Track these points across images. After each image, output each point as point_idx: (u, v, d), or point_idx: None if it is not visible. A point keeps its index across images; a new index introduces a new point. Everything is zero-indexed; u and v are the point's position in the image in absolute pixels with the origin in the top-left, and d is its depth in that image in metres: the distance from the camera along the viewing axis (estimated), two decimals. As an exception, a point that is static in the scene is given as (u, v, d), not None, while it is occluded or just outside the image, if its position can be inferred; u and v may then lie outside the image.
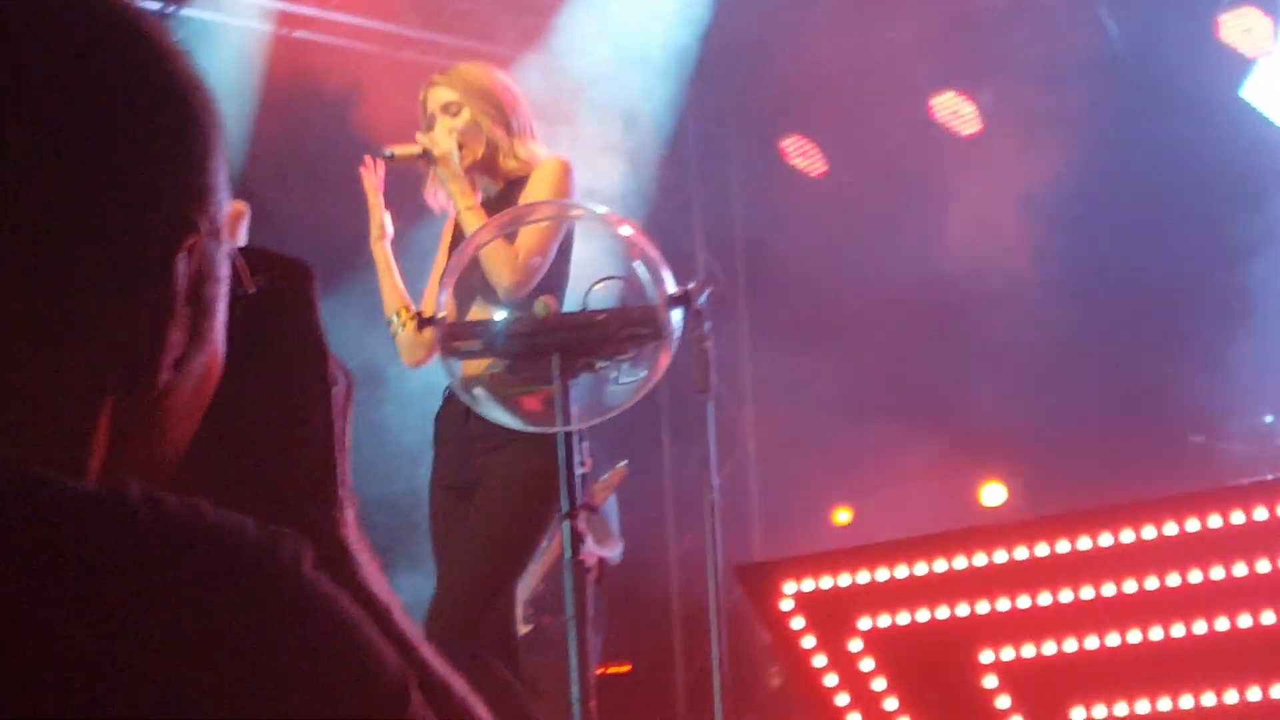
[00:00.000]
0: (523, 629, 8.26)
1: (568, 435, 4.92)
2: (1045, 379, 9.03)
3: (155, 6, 8.35)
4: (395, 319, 5.55)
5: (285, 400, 1.28)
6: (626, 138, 8.83)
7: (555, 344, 4.91)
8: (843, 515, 10.29)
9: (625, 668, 9.59)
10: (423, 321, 5.03)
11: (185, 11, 8.49)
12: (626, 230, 5.15)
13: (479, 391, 5.06)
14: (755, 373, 10.65)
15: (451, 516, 5.51)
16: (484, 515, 5.42)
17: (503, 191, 5.60)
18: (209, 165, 1.17)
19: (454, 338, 4.99)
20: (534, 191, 5.46)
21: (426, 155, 5.47)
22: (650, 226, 8.78)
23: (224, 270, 1.20)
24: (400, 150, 5.52)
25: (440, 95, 5.63)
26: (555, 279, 5.47)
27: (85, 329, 1.10)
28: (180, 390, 1.18)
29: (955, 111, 9.58)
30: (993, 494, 9.85)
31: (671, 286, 4.96)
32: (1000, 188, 8.93)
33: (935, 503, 9.27)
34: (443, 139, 5.47)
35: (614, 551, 8.17)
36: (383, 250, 5.58)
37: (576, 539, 4.90)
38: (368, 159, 5.60)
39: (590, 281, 5.01)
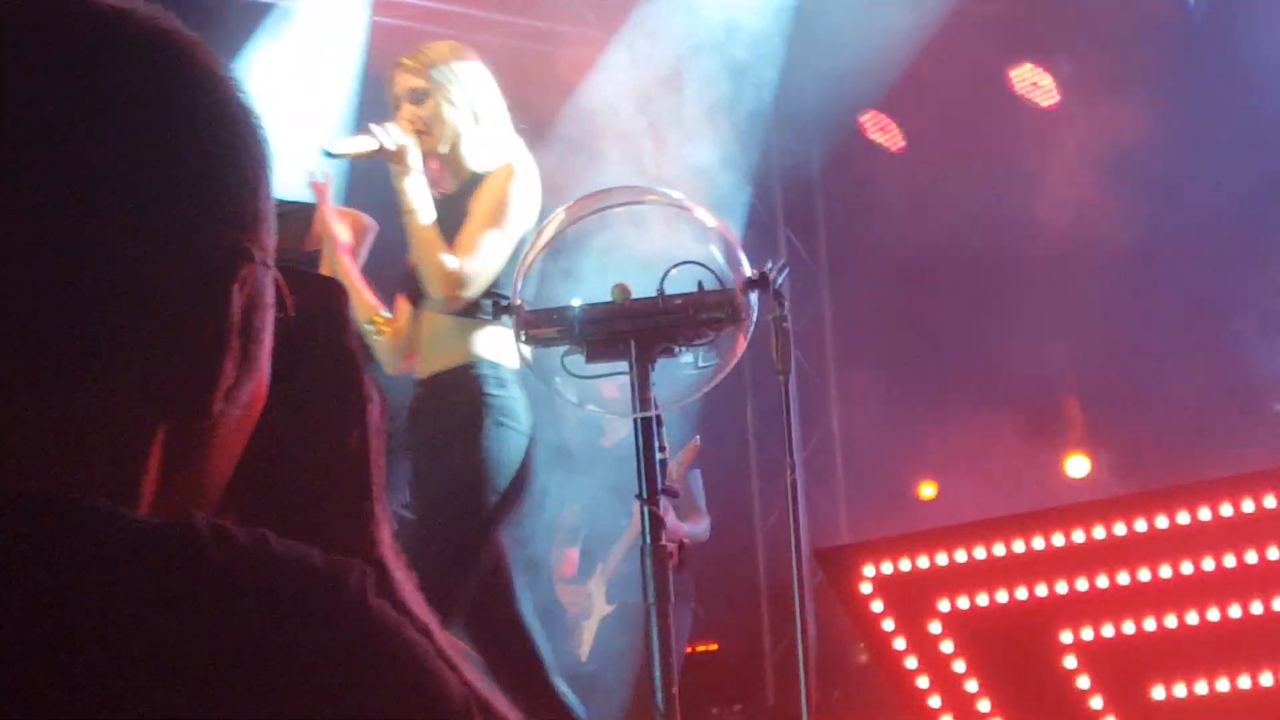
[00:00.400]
0: (606, 609, 8.31)
1: (645, 420, 4.93)
2: (1126, 350, 8.99)
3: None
4: (369, 328, 5.39)
5: (322, 420, 1.29)
6: (710, 118, 8.83)
7: (632, 330, 4.93)
8: (928, 490, 10.28)
9: (713, 646, 9.62)
10: (499, 309, 5.05)
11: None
12: (703, 214, 5.16)
13: (558, 378, 5.07)
14: (838, 348, 10.65)
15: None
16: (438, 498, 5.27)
17: (462, 188, 5.34)
18: (260, 193, 1.18)
19: (531, 325, 5.01)
20: (485, 197, 5.23)
21: (380, 151, 5.18)
22: (732, 204, 8.87)
23: (271, 297, 1.21)
24: (348, 149, 5.24)
25: (406, 80, 5.35)
26: (507, 286, 5.16)
27: (142, 357, 1.12)
28: (230, 417, 1.19)
29: (1034, 83, 9.54)
30: (1077, 466, 9.81)
31: (748, 270, 4.97)
32: (1081, 159, 8.89)
33: (1020, 475, 9.24)
34: (397, 133, 5.20)
35: (701, 527, 8.19)
36: (342, 263, 5.38)
37: (656, 524, 4.92)
38: (316, 168, 5.36)
39: (667, 266, 5.01)
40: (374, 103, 8.28)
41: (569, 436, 7.82)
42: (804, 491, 9.86)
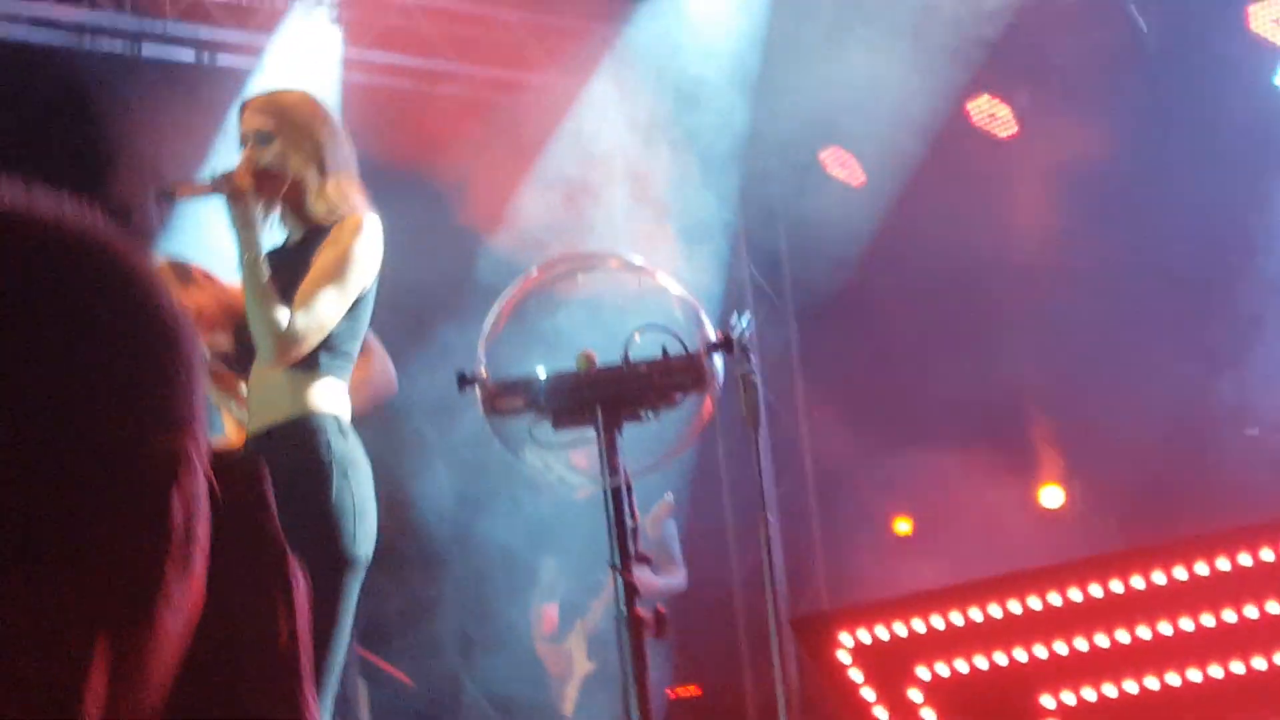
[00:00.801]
0: (588, 666, 8.26)
1: (615, 489, 4.91)
2: (1098, 378, 8.98)
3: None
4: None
5: (249, 608, 1.26)
6: (675, 160, 8.83)
7: (598, 397, 4.91)
8: (903, 525, 10.25)
9: (695, 690, 9.58)
10: (463, 381, 5.01)
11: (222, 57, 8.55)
12: (664, 278, 5.14)
13: (527, 449, 5.04)
14: (807, 384, 10.63)
15: None
16: None
17: (305, 238, 5.08)
18: (194, 392, 1.16)
19: (496, 396, 4.98)
20: (327, 250, 4.98)
21: (217, 187, 4.92)
22: (698, 244, 8.86)
23: (205, 499, 1.18)
24: (185, 189, 5.00)
25: (254, 121, 5.10)
26: (340, 347, 5.02)
27: (79, 569, 1.08)
28: (169, 624, 1.16)
29: (992, 114, 9.54)
30: (1051, 496, 9.80)
31: (712, 333, 4.96)
32: (1043, 187, 8.90)
33: (995, 507, 9.23)
34: (238, 177, 4.94)
35: (677, 579, 8.17)
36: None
37: (630, 592, 4.89)
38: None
39: (629, 331, 4.99)
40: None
41: (540, 492, 7.78)
42: (779, 534, 9.86)
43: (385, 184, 5.37)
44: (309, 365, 4.90)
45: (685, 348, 4.92)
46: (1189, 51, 8.75)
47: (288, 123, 5.06)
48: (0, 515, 1.06)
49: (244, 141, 5.06)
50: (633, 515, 4.96)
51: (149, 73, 8.31)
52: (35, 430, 1.07)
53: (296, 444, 4.88)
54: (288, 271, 4.91)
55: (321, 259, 4.93)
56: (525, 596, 8.26)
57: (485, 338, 5.06)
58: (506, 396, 4.99)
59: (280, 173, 5.01)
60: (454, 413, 5.88)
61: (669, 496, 7.94)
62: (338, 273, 4.92)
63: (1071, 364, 9.01)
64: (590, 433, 4.94)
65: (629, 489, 4.94)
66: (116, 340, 1.12)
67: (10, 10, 7.99)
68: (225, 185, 4.89)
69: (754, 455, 5.58)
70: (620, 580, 4.88)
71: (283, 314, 4.84)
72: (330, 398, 4.95)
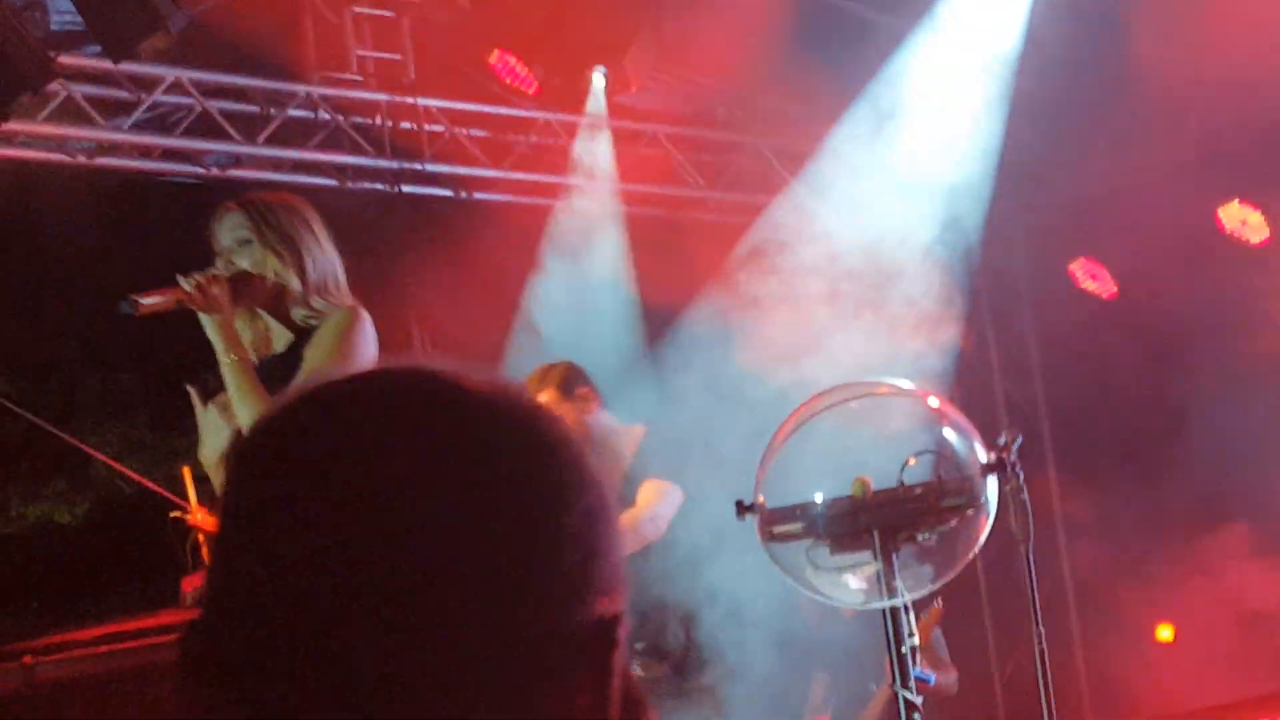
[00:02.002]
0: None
1: (893, 610, 5.02)
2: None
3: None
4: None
5: None
6: (916, 272, 8.88)
7: (875, 521, 5.02)
8: (1165, 632, 10.16)
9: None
10: (741, 508, 5.12)
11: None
12: (934, 401, 5.26)
13: (808, 573, 5.15)
14: (1062, 491, 10.60)
15: None
16: None
17: (292, 345, 4.85)
18: (615, 552, 1.24)
19: (774, 522, 5.12)
20: (319, 345, 4.76)
21: (187, 299, 4.68)
22: (944, 359, 8.91)
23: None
24: (148, 302, 4.68)
25: (231, 224, 4.84)
26: None
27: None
28: None
29: (1243, 220, 9.51)
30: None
31: (982, 454, 5.06)
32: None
33: (1255, 613, 9.14)
34: (211, 284, 4.69)
35: (950, 678, 8.22)
36: None
37: (911, 711, 4.99)
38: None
39: (903, 455, 5.10)
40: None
41: (812, 607, 7.87)
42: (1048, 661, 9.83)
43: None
44: None
45: (959, 470, 5.03)
46: None
47: (266, 225, 4.82)
48: (463, 670, 1.16)
49: (218, 249, 4.84)
50: (912, 634, 5.07)
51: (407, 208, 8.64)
52: (487, 603, 1.16)
53: None
54: (280, 378, 4.69)
55: (311, 359, 4.74)
56: (798, 712, 8.33)
57: (762, 465, 5.20)
58: (784, 523, 5.12)
59: (259, 278, 4.80)
60: (724, 538, 6.03)
61: (938, 602, 8.00)
62: (331, 367, 4.35)
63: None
64: (866, 556, 5.06)
65: (907, 609, 5.06)
66: (558, 510, 1.21)
67: (274, 156, 8.33)
68: (198, 296, 4.68)
69: (1027, 572, 5.64)
70: (902, 700, 4.97)
71: (259, 395, 4.62)
72: None
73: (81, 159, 7.82)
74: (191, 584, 5.41)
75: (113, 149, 7.92)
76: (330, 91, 8.41)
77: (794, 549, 5.20)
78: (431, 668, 1.15)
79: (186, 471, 4.99)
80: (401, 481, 1.17)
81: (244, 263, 4.80)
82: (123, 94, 7.90)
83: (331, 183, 8.48)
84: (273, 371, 4.75)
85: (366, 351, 4.77)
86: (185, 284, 4.67)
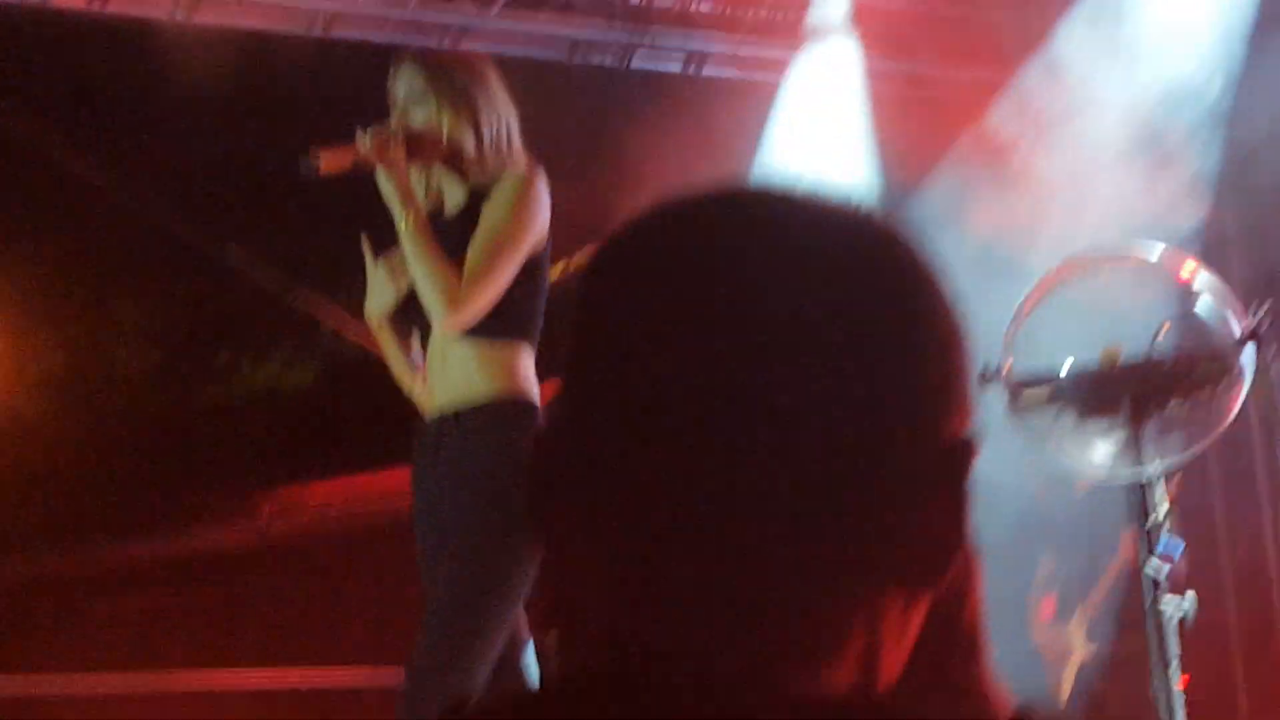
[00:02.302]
0: (1086, 650, 8.27)
1: (1140, 480, 4.95)
2: None
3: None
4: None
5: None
6: (1166, 142, 8.66)
7: (1124, 390, 4.95)
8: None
9: (1182, 681, 9.44)
10: (984, 376, 5.07)
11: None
12: (1187, 269, 5.15)
13: (1053, 441, 5.09)
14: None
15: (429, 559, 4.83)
16: (450, 564, 4.68)
17: (468, 204, 4.82)
18: (971, 376, 1.24)
19: (1020, 390, 5.06)
20: (493, 208, 4.72)
21: (366, 157, 4.66)
22: (1195, 231, 8.68)
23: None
24: (330, 162, 4.65)
25: (408, 80, 4.82)
26: (520, 311, 4.76)
27: (890, 541, 1.17)
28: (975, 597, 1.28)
29: None
30: None
31: (1237, 325, 4.94)
32: None
33: None
34: (387, 144, 4.68)
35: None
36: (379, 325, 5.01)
37: (1156, 584, 4.92)
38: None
39: (1154, 324, 5.01)
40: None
41: (1039, 487, 7.81)
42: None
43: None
44: (492, 331, 4.70)
45: (1213, 340, 4.93)
46: None
47: (441, 82, 4.78)
48: (832, 486, 1.15)
49: (393, 102, 4.82)
50: (1159, 506, 4.99)
51: (636, 84, 8.61)
52: (870, 414, 1.16)
53: (493, 428, 4.68)
54: (454, 239, 4.71)
55: (487, 220, 4.70)
56: (1023, 589, 8.31)
57: (1008, 333, 5.14)
58: (1031, 390, 5.07)
59: (434, 135, 4.76)
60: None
61: (1177, 478, 7.89)
62: (506, 231, 4.68)
63: None
64: (1115, 425, 4.98)
65: (1156, 481, 4.98)
66: (935, 330, 1.22)
67: (503, 29, 8.33)
68: (375, 154, 4.65)
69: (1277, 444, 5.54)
70: (1147, 573, 4.91)
71: (452, 278, 4.63)
72: (521, 372, 4.73)
73: (317, 31, 7.90)
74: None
75: (344, 20, 7.99)
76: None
77: (1040, 417, 5.14)
78: (801, 483, 1.14)
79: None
80: (770, 295, 1.17)
81: (418, 119, 4.77)
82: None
83: (560, 57, 8.47)
84: (447, 232, 4.75)
85: (540, 216, 4.74)
86: (362, 142, 4.65)
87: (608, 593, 1.18)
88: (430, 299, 4.66)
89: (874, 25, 8.79)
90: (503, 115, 4.83)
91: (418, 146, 4.73)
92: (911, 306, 1.21)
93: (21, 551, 10.71)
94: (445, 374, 4.78)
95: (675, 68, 8.80)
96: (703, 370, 1.14)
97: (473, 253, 4.65)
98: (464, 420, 4.72)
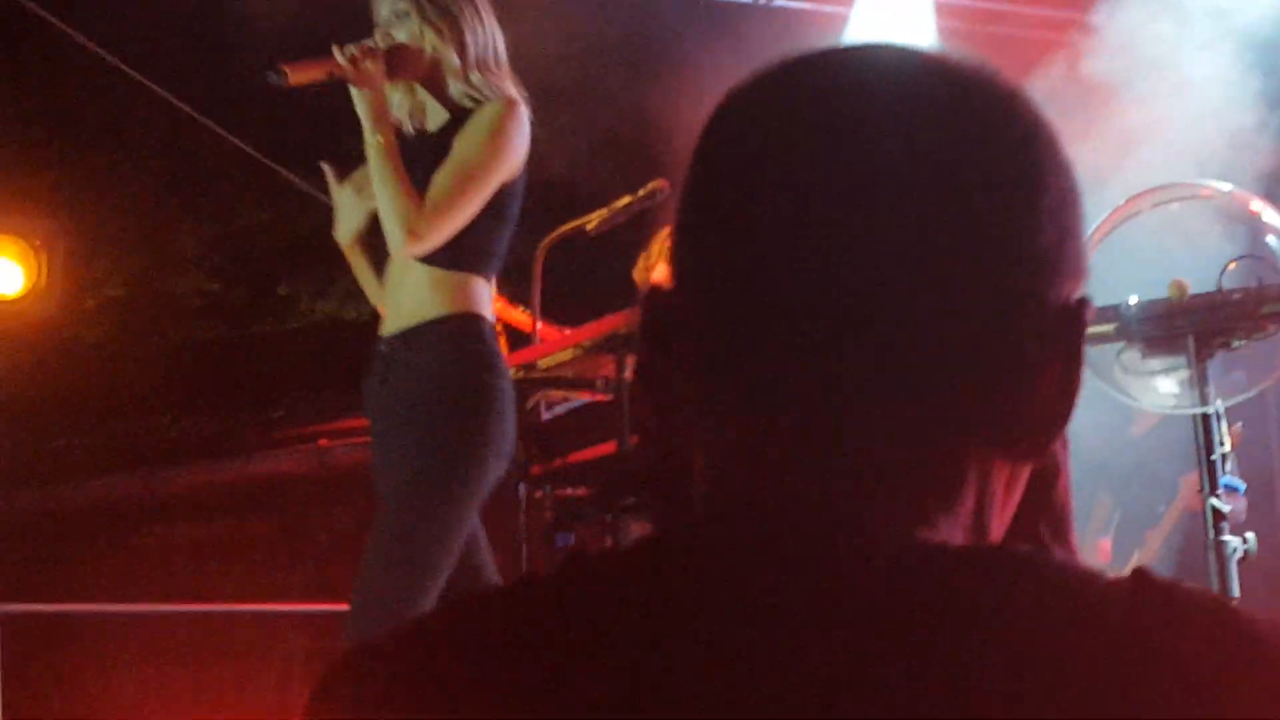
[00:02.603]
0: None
1: (1204, 416, 4.93)
2: None
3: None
4: None
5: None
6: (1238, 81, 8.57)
7: (1190, 325, 4.92)
8: None
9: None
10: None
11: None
12: (1257, 205, 5.11)
13: (1117, 375, 5.07)
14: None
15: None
16: (389, 504, 4.60)
17: (446, 125, 4.71)
18: (1085, 239, 1.23)
19: (1085, 323, 5.03)
20: (469, 134, 4.60)
21: (340, 71, 4.52)
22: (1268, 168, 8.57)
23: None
24: (299, 73, 4.50)
25: None
26: (480, 244, 4.67)
27: (1000, 400, 1.16)
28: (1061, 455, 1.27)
29: None
30: None
31: (1306, 262, 4.92)
32: None
33: None
34: (365, 56, 4.55)
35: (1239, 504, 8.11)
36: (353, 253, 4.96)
37: (1218, 520, 4.90)
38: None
39: (1221, 259, 4.98)
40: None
41: (1095, 427, 7.77)
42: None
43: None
44: (449, 262, 4.63)
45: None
46: None
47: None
48: (944, 347, 1.14)
49: (377, 21, 4.71)
50: (1223, 441, 4.97)
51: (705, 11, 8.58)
52: (987, 273, 1.14)
53: (438, 343, 4.63)
54: (426, 160, 4.62)
55: (458, 149, 4.60)
56: (1080, 530, 8.29)
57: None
58: (1097, 325, 5.05)
59: (416, 51, 4.66)
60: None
61: (1238, 426, 7.84)
62: (476, 161, 4.59)
63: None
64: (1180, 360, 4.96)
65: (1219, 417, 4.96)
66: (1050, 191, 1.19)
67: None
68: (350, 69, 4.53)
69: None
70: (1210, 508, 4.89)
71: (413, 203, 4.55)
72: (474, 297, 4.66)
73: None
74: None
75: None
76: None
77: (1105, 352, 5.11)
78: (915, 339, 1.13)
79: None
80: (887, 148, 1.15)
81: (401, 35, 4.67)
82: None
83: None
84: (421, 149, 4.67)
85: (515, 148, 4.63)
86: (340, 56, 4.54)
87: (718, 449, 1.17)
88: (389, 225, 4.58)
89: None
90: (489, 36, 4.73)
91: (398, 63, 4.64)
92: (1029, 163, 1.18)
93: (77, 478, 10.81)
94: (400, 298, 4.73)
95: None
96: (818, 225, 1.13)
97: (437, 181, 4.56)
98: (410, 338, 4.66)
